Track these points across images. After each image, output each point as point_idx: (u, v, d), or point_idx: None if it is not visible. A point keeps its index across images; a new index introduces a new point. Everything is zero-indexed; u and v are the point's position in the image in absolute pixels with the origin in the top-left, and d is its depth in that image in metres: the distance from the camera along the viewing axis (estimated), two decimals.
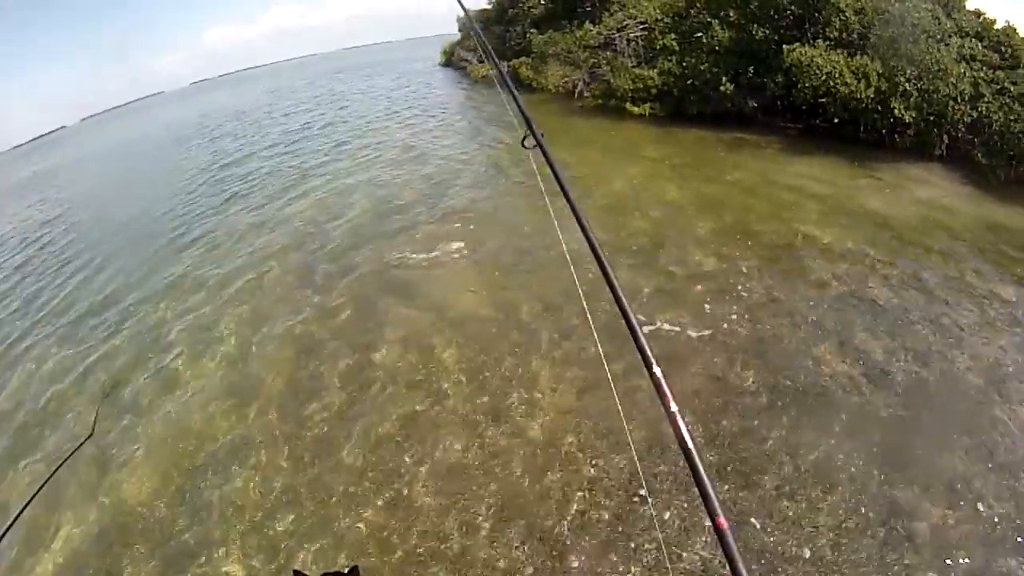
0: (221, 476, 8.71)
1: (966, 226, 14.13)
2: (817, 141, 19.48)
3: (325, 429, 9.24)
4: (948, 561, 6.37)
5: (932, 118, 17.48)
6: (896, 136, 18.17)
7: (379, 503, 7.77)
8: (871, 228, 13.65)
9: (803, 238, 13.25)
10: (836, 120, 18.81)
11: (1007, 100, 16.73)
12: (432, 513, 7.54)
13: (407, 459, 8.41)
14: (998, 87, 17.04)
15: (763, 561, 6.47)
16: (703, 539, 6.74)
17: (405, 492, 7.88)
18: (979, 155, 16.89)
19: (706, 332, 10.12)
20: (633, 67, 25.41)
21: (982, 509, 6.98)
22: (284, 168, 26.03)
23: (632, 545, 6.86)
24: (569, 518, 7.25)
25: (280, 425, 9.46)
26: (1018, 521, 6.80)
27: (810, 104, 19.41)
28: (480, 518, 7.40)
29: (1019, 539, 6.61)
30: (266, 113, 49.45)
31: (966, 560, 6.38)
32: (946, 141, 17.60)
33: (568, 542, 6.97)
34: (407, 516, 7.53)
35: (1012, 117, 16.32)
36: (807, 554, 6.53)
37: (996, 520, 6.83)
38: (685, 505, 7.17)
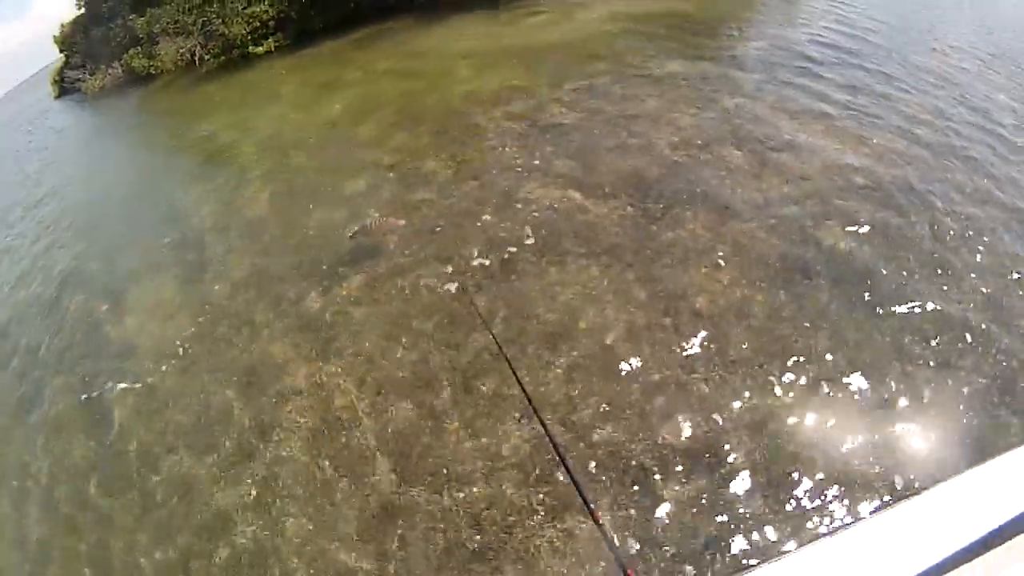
0: None
1: (621, 24, 13.64)
2: (451, 4, 17.89)
3: None
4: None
5: None
6: None
7: None
8: (529, 61, 12.70)
9: (467, 98, 11.70)
10: None
11: None
12: None
13: None
14: None
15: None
16: None
17: None
18: None
19: (409, 229, 8.06)
20: (244, 9, 22.03)
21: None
22: None
23: None
24: None
25: None
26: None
27: None
28: None
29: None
30: None
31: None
32: None
33: None
34: None
35: None
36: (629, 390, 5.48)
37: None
38: None
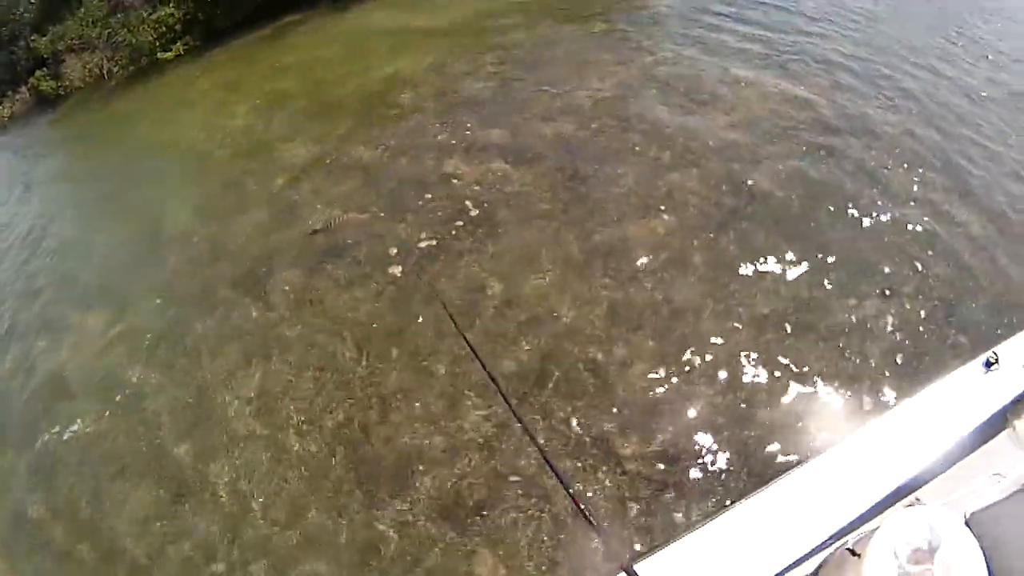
0: None
1: None
2: None
3: None
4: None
5: None
6: None
7: None
8: (445, 38, 12.41)
9: (385, 81, 11.26)
10: None
11: None
12: None
13: None
14: None
15: None
16: None
17: None
18: None
19: (351, 216, 7.59)
20: (150, 15, 21.05)
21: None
22: None
23: None
24: None
25: None
26: None
27: None
28: None
29: None
30: None
31: None
32: None
33: None
34: None
35: None
36: None
37: None
38: None
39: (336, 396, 5.50)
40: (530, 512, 4.32)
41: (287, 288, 6.84)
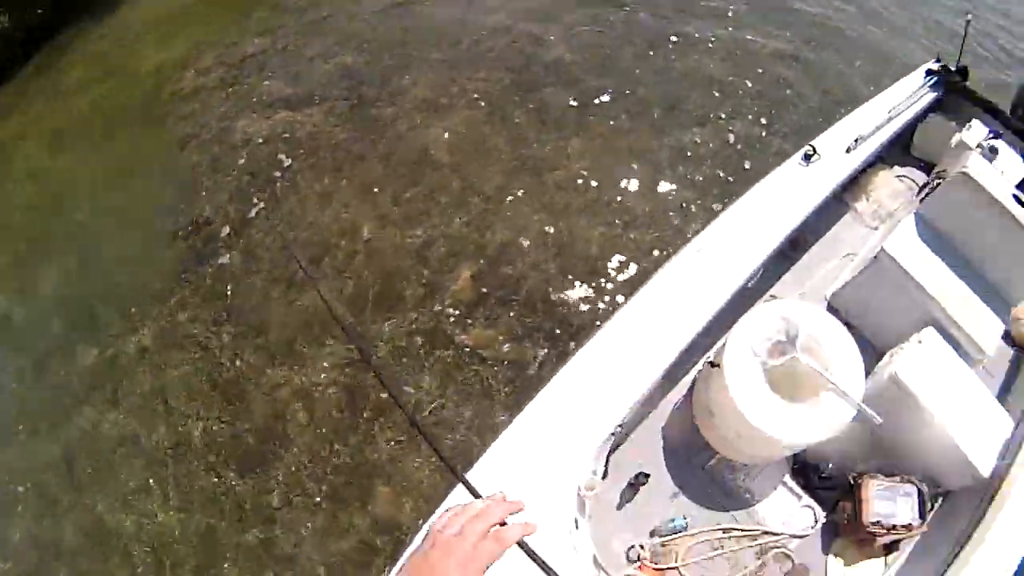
0: None
1: None
2: None
3: None
4: None
5: None
6: None
7: None
8: (212, 9, 11.34)
9: (158, 72, 10.17)
10: None
11: None
12: None
13: None
14: None
15: None
16: None
17: None
18: None
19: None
20: None
21: None
22: None
23: None
24: None
25: None
26: None
27: None
28: None
29: None
30: None
31: None
32: None
33: None
34: None
35: None
36: None
37: None
38: None
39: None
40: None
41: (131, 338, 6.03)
